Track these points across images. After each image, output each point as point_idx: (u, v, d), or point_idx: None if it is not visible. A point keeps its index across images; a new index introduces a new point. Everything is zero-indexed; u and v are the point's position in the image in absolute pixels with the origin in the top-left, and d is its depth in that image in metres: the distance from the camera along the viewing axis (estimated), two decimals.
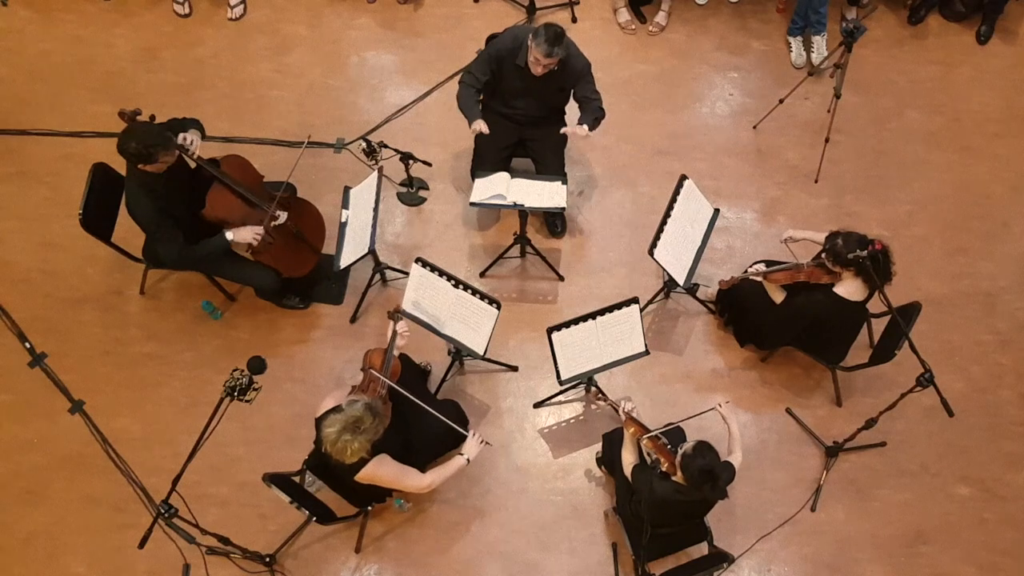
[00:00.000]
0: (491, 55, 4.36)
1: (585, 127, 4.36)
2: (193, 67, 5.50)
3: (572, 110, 4.60)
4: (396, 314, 3.87)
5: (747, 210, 5.07)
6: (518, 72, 4.31)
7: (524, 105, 4.50)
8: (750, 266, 4.26)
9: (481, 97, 4.55)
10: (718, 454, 3.43)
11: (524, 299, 4.81)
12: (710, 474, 3.36)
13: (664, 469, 3.52)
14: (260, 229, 4.16)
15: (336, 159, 5.18)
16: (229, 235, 4.13)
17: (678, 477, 3.46)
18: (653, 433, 3.63)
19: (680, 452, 3.44)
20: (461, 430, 3.82)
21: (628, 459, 3.74)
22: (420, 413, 3.79)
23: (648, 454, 3.67)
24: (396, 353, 3.84)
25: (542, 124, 4.58)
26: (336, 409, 3.36)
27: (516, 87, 4.39)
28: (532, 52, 4.13)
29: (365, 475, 3.47)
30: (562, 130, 4.42)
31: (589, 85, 4.40)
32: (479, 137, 4.58)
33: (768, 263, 4.29)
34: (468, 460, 3.75)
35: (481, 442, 3.82)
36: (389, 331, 3.84)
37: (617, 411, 3.80)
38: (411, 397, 3.71)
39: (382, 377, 3.71)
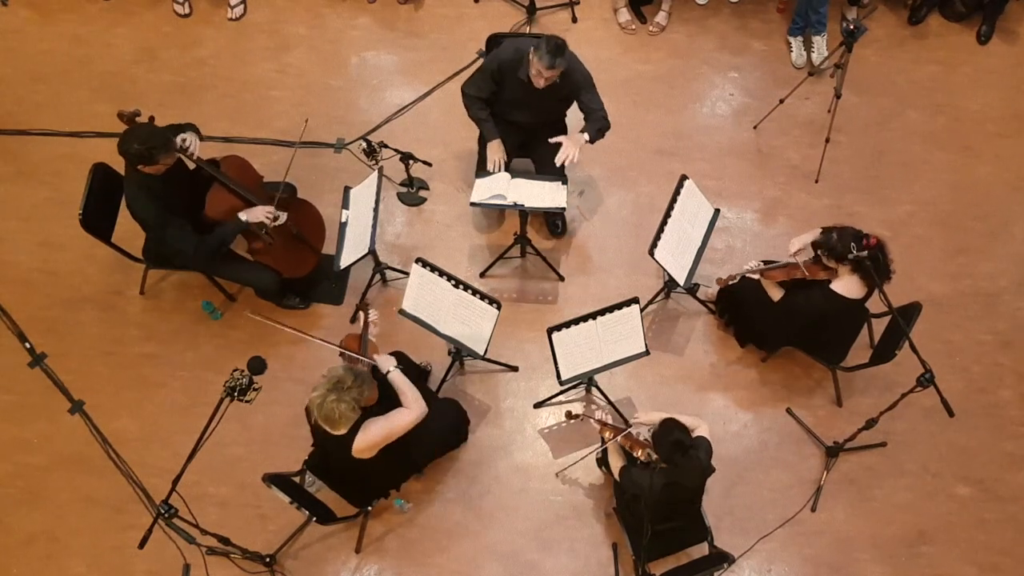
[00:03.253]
0: (493, 69, 4.32)
1: (586, 135, 4.35)
2: (193, 67, 5.50)
3: (573, 116, 4.58)
4: (365, 305, 3.96)
5: (747, 210, 5.07)
6: (520, 85, 4.28)
7: (526, 116, 4.49)
8: (753, 264, 4.25)
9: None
10: (686, 428, 3.50)
11: (524, 299, 4.81)
12: (679, 444, 3.41)
13: (643, 459, 3.57)
14: (271, 208, 4.17)
15: (336, 159, 5.18)
16: (243, 216, 4.13)
17: (656, 461, 3.50)
18: (625, 431, 3.69)
19: (649, 435, 3.52)
20: (364, 358, 3.76)
21: (616, 464, 3.76)
22: None
23: (648, 454, 3.68)
24: (372, 339, 3.88)
25: (543, 129, 4.57)
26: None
27: (517, 99, 4.38)
28: (534, 65, 4.09)
29: (361, 443, 3.49)
30: (553, 139, 4.36)
31: (594, 96, 4.37)
32: (482, 140, 4.58)
33: (765, 262, 4.29)
34: (393, 368, 3.71)
35: (387, 356, 3.81)
36: (361, 321, 3.89)
37: (592, 422, 3.84)
38: (352, 354, 3.75)
39: (360, 357, 3.74)
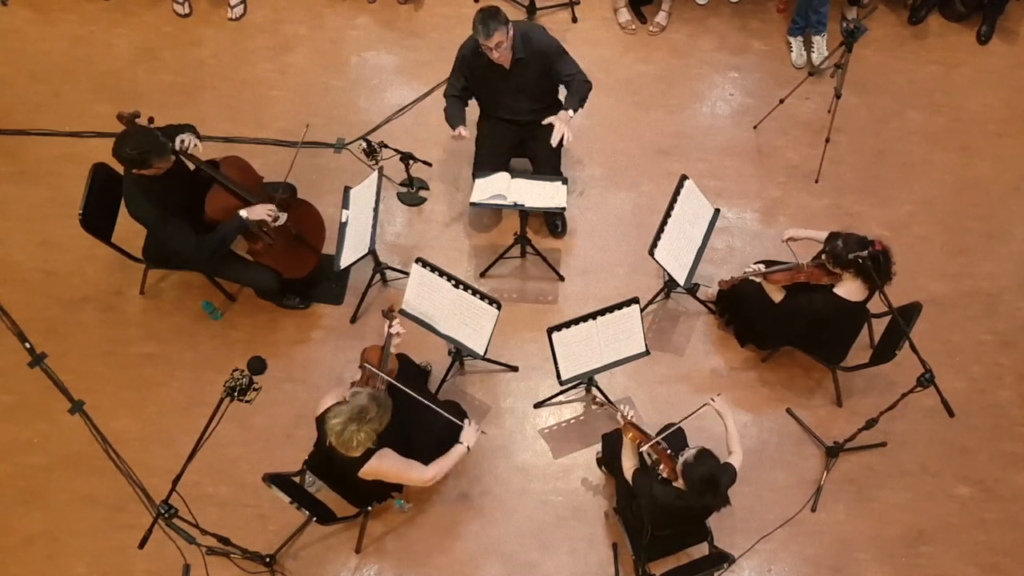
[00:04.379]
0: (460, 61, 4.35)
1: (570, 111, 4.27)
2: (193, 67, 5.50)
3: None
4: (390, 313, 3.90)
5: (747, 210, 5.07)
6: (492, 70, 4.27)
7: (516, 102, 4.47)
8: (750, 266, 4.25)
9: (467, 104, 4.53)
10: (719, 460, 3.41)
11: (524, 299, 4.81)
12: (711, 482, 3.34)
13: (665, 475, 3.50)
14: (272, 207, 4.16)
15: (336, 159, 5.18)
16: (243, 213, 4.12)
17: (679, 483, 3.44)
18: (654, 440, 3.61)
19: (681, 460, 3.41)
20: (457, 421, 3.83)
21: (628, 463, 3.72)
22: (420, 414, 3.80)
23: (648, 455, 3.65)
24: (393, 351, 3.85)
25: (539, 123, 4.56)
26: (340, 403, 3.38)
27: (497, 85, 4.37)
28: (481, 43, 4.09)
29: (369, 470, 3.48)
30: (546, 120, 4.26)
31: (566, 61, 4.32)
32: (480, 138, 4.58)
33: (768, 263, 4.29)
34: (468, 448, 3.76)
35: (478, 429, 3.85)
36: (384, 330, 3.86)
37: (616, 416, 3.77)
38: (411, 392, 3.73)
39: (380, 373, 3.72)
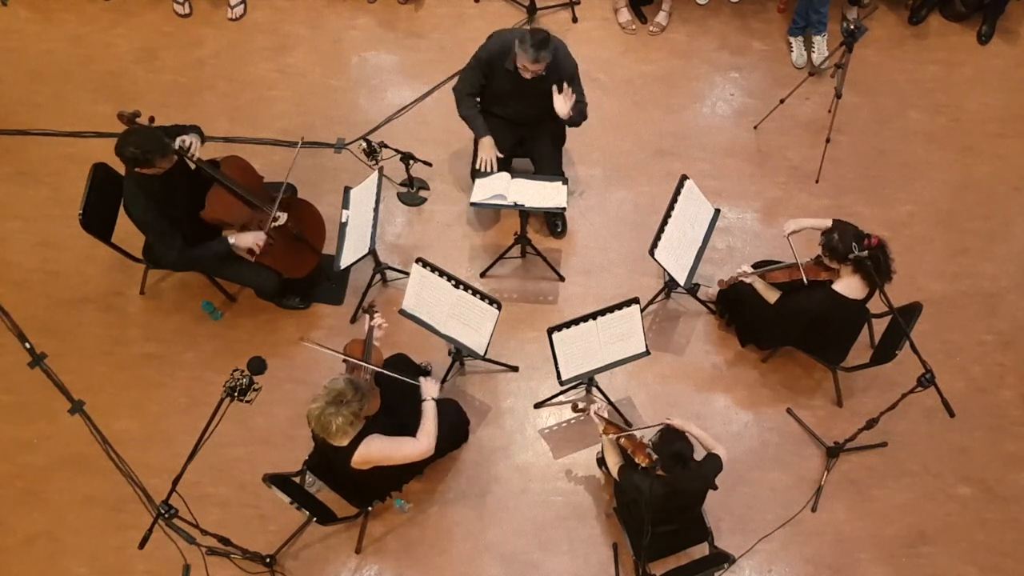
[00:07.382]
0: (481, 62, 4.35)
1: (569, 109, 4.31)
2: (193, 67, 5.50)
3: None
4: (371, 309, 3.95)
5: (748, 210, 5.07)
6: (508, 76, 4.29)
7: (518, 107, 4.49)
8: (743, 268, 4.24)
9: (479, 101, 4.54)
10: (687, 439, 3.46)
11: (524, 299, 4.80)
12: (679, 456, 3.38)
13: (644, 465, 3.54)
14: (262, 235, 4.16)
15: (336, 159, 5.18)
16: (231, 239, 4.12)
17: (659, 471, 3.47)
18: (629, 432, 3.65)
19: (650, 443, 3.48)
20: (412, 381, 3.83)
21: (612, 460, 3.74)
22: (416, 411, 3.80)
23: (635, 456, 3.67)
24: (376, 344, 3.88)
25: (539, 123, 4.57)
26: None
27: (507, 90, 4.39)
28: (520, 58, 4.11)
29: (360, 458, 3.49)
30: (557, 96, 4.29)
31: (578, 87, 4.37)
32: (479, 139, 4.58)
33: (762, 263, 4.28)
34: (433, 399, 3.77)
35: (435, 381, 3.86)
36: (365, 325, 3.88)
37: (592, 416, 3.81)
38: (392, 374, 3.76)
39: (362, 363, 3.74)
